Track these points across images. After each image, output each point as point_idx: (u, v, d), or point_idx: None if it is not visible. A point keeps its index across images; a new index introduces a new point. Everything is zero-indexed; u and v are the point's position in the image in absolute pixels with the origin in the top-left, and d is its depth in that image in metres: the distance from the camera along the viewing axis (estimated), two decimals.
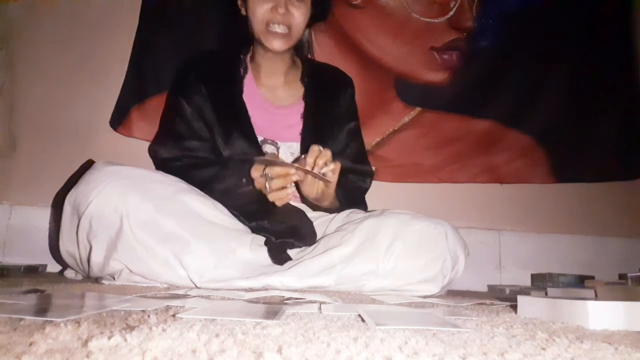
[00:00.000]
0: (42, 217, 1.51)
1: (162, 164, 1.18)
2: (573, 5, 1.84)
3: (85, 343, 0.33)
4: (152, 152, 1.31)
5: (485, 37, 1.79)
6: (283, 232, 1.00)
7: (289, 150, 1.17)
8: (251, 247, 0.94)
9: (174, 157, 1.16)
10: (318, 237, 1.04)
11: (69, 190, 0.95)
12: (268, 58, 1.19)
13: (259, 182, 1.01)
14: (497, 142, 1.77)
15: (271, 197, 0.99)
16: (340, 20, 1.72)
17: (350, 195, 1.15)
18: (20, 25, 1.60)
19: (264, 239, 0.98)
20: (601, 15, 1.84)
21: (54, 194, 1.48)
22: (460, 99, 1.76)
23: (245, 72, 1.22)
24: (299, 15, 1.10)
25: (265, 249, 0.95)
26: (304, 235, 1.02)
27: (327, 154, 0.97)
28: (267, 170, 0.98)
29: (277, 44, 1.11)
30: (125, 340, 0.33)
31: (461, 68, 1.77)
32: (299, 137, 1.17)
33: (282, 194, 0.99)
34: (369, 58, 1.72)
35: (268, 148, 1.15)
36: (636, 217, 1.79)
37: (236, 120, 1.15)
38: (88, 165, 0.99)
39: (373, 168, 1.33)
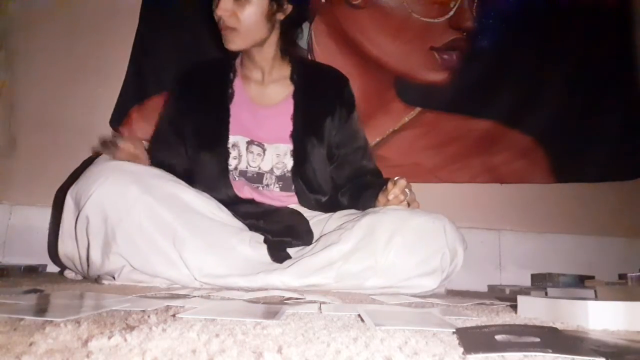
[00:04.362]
0: (42, 217, 1.51)
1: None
2: (573, 5, 1.84)
3: (85, 343, 0.33)
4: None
5: (485, 37, 1.79)
6: (279, 231, 1.00)
7: (275, 151, 1.14)
8: (251, 244, 0.94)
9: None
10: (315, 237, 1.05)
11: (70, 186, 0.96)
12: (245, 56, 1.17)
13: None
14: (497, 142, 1.77)
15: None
16: (340, 20, 1.72)
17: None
18: (20, 25, 1.60)
19: (263, 236, 0.99)
20: (601, 15, 1.84)
21: (53, 194, 1.48)
22: (460, 99, 1.76)
23: (235, 75, 1.19)
24: (243, 10, 1.04)
25: (264, 246, 0.95)
26: (300, 234, 1.02)
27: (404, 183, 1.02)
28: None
29: (229, 42, 1.07)
30: (125, 340, 0.33)
31: (461, 68, 1.77)
32: (286, 139, 1.14)
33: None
34: (368, 58, 1.72)
35: (254, 149, 1.14)
36: (636, 217, 1.79)
37: (213, 129, 1.13)
38: (90, 160, 1.01)
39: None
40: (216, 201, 1.01)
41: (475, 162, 1.76)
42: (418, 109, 1.76)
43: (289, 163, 1.13)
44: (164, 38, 1.63)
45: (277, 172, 1.14)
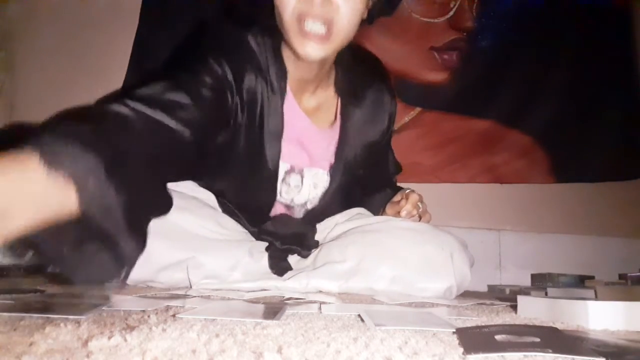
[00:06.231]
0: None
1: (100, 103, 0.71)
2: (573, 5, 1.84)
3: (85, 343, 0.33)
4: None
5: (485, 37, 1.79)
6: (288, 237, 0.97)
7: (312, 180, 0.98)
8: (253, 255, 0.92)
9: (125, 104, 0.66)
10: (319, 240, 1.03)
11: None
12: (298, 65, 0.88)
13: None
14: (497, 142, 1.77)
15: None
16: None
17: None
18: (20, 26, 1.60)
19: (265, 245, 0.97)
20: (601, 15, 1.85)
21: None
22: (460, 99, 1.76)
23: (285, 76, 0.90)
24: (346, 8, 0.76)
25: (266, 255, 0.94)
26: (310, 245, 1.00)
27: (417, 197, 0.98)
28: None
29: (312, 50, 0.78)
30: (125, 340, 0.34)
31: (461, 68, 1.77)
32: (325, 165, 0.98)
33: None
34: None
35: (292, 180, 0.97)
36: (636, 217, 1.79)
37: (270, 138, 0.90)
38: None
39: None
40: (217, 213, 0.96)
41: (475, 162, 1.76)
42: (418, 109, 1.76)
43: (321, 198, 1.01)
44: (164, 37, 1.63)
45: (309, 206, 1.01)
